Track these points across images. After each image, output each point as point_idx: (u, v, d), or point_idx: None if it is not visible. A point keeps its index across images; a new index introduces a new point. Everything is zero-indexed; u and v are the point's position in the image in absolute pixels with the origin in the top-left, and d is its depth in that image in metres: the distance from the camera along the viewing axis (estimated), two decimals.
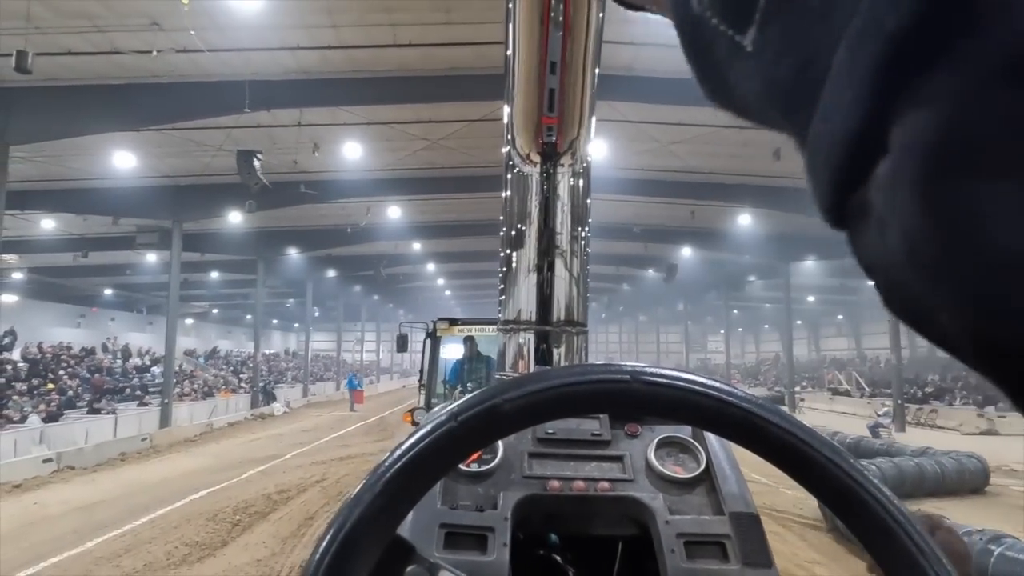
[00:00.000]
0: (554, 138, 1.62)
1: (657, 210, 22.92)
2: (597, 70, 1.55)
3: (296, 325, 54.70)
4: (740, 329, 59.37)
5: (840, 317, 50.45)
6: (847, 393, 32.93)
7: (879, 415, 19.15)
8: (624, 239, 25.93)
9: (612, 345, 65.53)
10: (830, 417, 23.89)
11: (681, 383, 0.48)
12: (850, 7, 0.17)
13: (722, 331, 44.15)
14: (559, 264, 1.77)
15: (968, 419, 22.33)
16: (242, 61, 12.41)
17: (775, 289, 31.70)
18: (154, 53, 11.46)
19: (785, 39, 0.19)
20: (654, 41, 11.90)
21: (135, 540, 7.47)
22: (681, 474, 1.32)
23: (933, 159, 0.15)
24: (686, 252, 29.21)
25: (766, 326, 56.17)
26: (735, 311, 48.30)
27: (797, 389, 31.99)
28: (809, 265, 28.84)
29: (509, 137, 1.70)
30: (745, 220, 23.25)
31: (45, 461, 12.19)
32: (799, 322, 51.17)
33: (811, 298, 41.80)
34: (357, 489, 0.47)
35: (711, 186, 19.86)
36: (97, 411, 20.23)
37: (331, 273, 32.84)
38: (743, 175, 18.89)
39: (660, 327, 56.16)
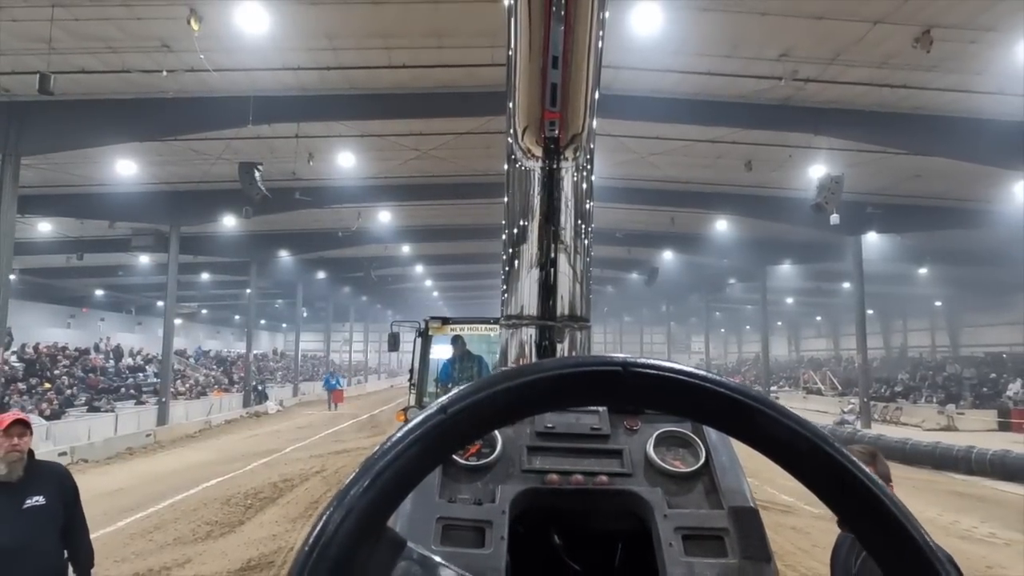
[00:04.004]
0: (556, 133, 1.60)
1: (638, 216, 23.88)
2: (600, 65, 1.53)
3: (284, 325, 55.11)
4: (722, 330, 60.71)
5: (819, 319, 51.90)
6: (819, 392, 34.22)
7: (844, 412, 20.30)
8: (607, 243, 26.88)
9: (597, 345, 66.38)
10: (803, 415, 24.90)
11: (673, 374, 0.47)
12: None
13: (704, 332, 45.33)
14: (562, 259, 1.74)
15: (930, 416, 23.53)
16: (246, 80, 13.20)
17: (755, 291, 32.84)
18: (164, 73, 12.23)
19: None
20: (631, 65, 12.86)
21: (160, 520, 8.32)
22: (680, 468, 1.32)
23: None
24: (667, 256, 30.27)
25: (747, 327, 57.52)
26: (717, 313, 49.61)
27: (774, 388, 33.25)
28: (785, 269, 30.03)
29: (511, 132, 1.67)
30: (722, 226, 24.32)
31: (60, 455, 12.89)
32: (779, 323, 52.60)
33: (790, 300, 43.12)
34: (346, 483, 0.46)
35: (689, 194, 20.87)
36: (96, 409, 20.84)
37: (321, 275, 33.44)
38: (718, 184, 19.93)
39: (644, 327, 57.41)
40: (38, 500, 3.15)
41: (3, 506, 3.08)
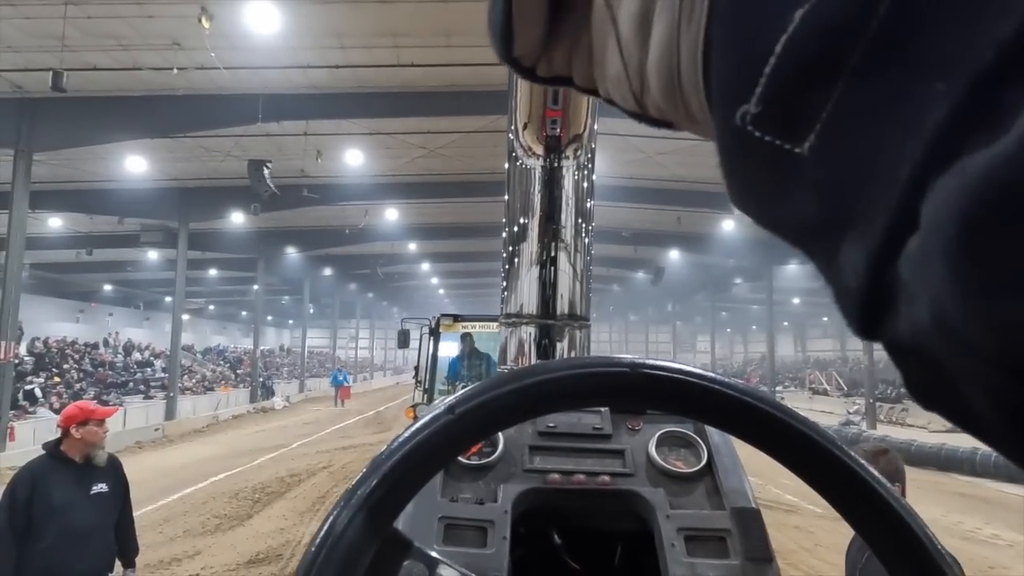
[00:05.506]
0: (558, 131, 1.60)
1: (645, 215, 23.91)
2: None
3: (291, 322, 55.37)
4: (728, 330, 60.66)
5: (825, 319, 51.78)
6: (825, 392, 34.16)
7: (850, 413, 20.29)
8: (614, 242, 26.93)
9: (603, 344, 66.57)
10: (808, 416, 24.93)
11: (682, 376, 0.47)
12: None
13: (710, 331, 45.29)
14: (563, 258, 1.74)
15: (935, 418, 23.20)
16: (256, 78, 13.30)
17: (761, 291, 32.80)
18: (175, 71, 12.35)
19: (852, 138, 0.18)
20: None
21: (170, 513, 8.44)
22: (682, 469, 1.32)
23: (965, 216, 0.15)
24: (674, 255, 30.28)
25: (754, 327, 57.43)
26: (723, 312, 49.57)
27: (779, 388, 33.21)
28: (792, 269, 29.97)
29: (512, 128, 1.67)
30: (729, 226, 24.28)
31: None
32: (786, 323, 52.50)
33: (796, 300, 43.02)
34: (353, 483, 0.46)
35: (696, 194, 20.85)
36: (105, 403, 21.04)
37: (328, 272, 33.59)
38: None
39: (649, 327, 57.42)
40: (102, 488, 3.32)
41: (75, 490, 3.24)
